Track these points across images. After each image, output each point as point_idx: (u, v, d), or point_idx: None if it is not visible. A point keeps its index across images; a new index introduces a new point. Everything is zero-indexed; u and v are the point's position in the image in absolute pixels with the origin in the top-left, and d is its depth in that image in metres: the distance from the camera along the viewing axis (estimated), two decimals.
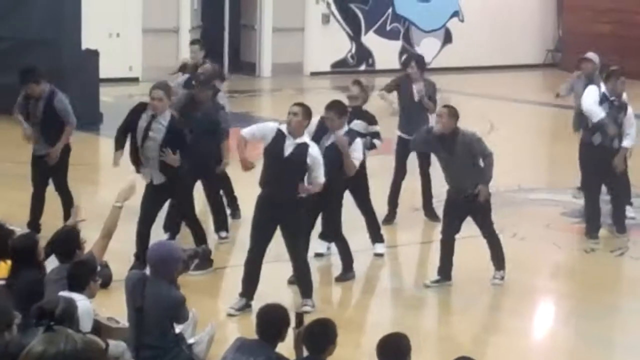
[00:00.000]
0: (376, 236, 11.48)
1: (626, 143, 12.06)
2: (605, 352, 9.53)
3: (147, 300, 7.03)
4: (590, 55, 14.13)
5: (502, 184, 14.67)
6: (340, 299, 10.68)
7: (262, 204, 9.55)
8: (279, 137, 9.51)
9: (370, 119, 11.43)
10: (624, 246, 12.13)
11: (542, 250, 12.08)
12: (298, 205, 9.53)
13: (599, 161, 11.99)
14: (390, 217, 12.73)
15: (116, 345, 7.12)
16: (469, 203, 10.48)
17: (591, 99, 12.07)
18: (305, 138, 9.62)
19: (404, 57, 13.64)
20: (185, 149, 10.54)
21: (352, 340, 8.64)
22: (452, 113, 10.48)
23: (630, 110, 12.19)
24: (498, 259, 10.68)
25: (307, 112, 9.64)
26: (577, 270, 11.65)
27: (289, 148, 9.47)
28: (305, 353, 6.40)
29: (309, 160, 9.45)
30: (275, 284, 10.23)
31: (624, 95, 12.27)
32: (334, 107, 10.50)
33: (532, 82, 26.75)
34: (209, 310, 9.35)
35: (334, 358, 6.54)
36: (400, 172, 12.85)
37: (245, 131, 9.87)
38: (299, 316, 6.69)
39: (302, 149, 9.46)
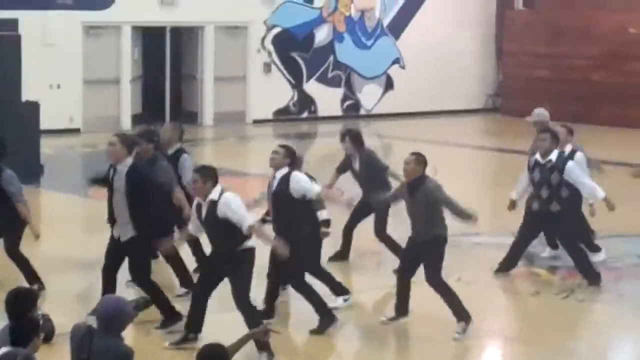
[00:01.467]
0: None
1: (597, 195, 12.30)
2: None
3: (94, 355, 6.94)
4: (536, 111, 14.13)
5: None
6: (325, 345, 10.60)
7: None
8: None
9: None
10: (569, 289, 12.19)
11: (488, 294, 12.11)
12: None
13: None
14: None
15: None
16: (422, 248, 10.55)
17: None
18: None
19: (340, 133, 13.48)
20: (151, 199, 10.40)
21: None
22: (420, 160, 10.59)
23: (570, 164, 12.26)
24: (455, 309, 10.63)
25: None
26: (523, 313, 11.68)
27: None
28: None
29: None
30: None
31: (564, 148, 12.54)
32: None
33: (473, 127, 26.99)
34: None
35: None
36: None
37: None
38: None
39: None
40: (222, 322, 10.38)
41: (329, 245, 12.97)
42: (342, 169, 13.39)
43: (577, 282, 12.39)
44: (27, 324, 7.26)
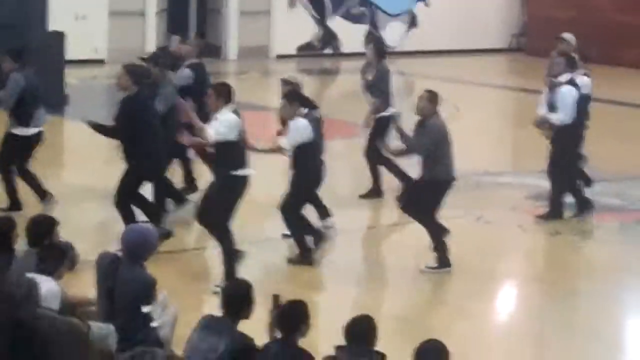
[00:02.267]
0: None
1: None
2: (568, 336, 9.58)
3: (119, 282, 7.07)
4: (566, 35, 14.22)
5: (468, 168, 14.76)
6: (311, 281, 10.70)
7: None
8: None
9: None
10: (589, 230, 12.24)
11: (507, 233, 12.17)
12: None
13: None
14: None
15: (100, 328, 7.14)
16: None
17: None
18: None
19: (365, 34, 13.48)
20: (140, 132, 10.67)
21: (323, 321, 8.69)
22: (430, 98, 10.55)
23: (562, 89, 12.22)
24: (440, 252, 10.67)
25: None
26: (542, 253, 11.75)
27: None
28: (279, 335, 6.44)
29: None
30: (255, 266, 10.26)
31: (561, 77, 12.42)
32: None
33: (497, 67, 26.86)
34: (175, 292, 9.37)
35: (307, 339, 6.58)
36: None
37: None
38: (275, 298, 6.73)
39: None
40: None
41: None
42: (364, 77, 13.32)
43: (596, 223, 12.44)
44: (54, 251, 7.39)
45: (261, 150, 10.44)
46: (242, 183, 9.70)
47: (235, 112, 9.76)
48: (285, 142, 10.47)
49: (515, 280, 11.03)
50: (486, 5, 28.40)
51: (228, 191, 9.68)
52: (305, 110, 10.57)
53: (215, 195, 9.75)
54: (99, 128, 11.07)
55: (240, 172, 9.67)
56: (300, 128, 10.42)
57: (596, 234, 12.11)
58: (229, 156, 9.62)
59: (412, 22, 28.00)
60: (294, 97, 10.66)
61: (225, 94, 9.79)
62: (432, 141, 10.46)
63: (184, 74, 12.46)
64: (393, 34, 27.71)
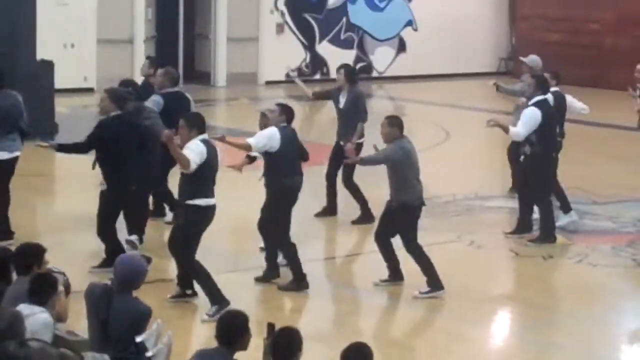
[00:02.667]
0: None
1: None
2: None
3: (114, 313, 7.02)
4: (529, 58, 14.45)
5: (458, 192, 14.80)
6: (306, 307, 10.67)
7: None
8: None
9: None
10: (582, 253, 12.24)
11: (500, 257, 12.16)
12: None
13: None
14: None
15: (94, 358, 7.08)
16: (394, 214, 10.62)
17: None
18: None
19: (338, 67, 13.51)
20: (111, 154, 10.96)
21: (318, 350, 8.67)
22: (393, 123, 10.60)
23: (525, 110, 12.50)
24: (430, 276, 10.67)
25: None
26: (535, 277, 11.73)
27: None
28: None
29: None
30: (243, 294, 10.22)
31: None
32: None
33: (486, 90, 26.88)
34: (167, 321, 9.33)
35: None
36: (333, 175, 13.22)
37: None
38: (270, 326, 6.70)
39: None
40: (230, 281, 10.49)
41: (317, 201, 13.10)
42: (323, 95, 13.65)
43: (591, 246, 12.44)
44: (46, 281, 7.33)
45: (228, 143, 10.49)
46: (206, 213, 9.75)
47: (205, 141, 9.77)
48: (252, 139, 10.55)
49: (510, 304, 11.01)
50: (474, 29, 28.53)
51: (192, 222, 9.75)
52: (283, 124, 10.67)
53: (181, 225, 9.81)
54: (61, 148, 11.22)
55: (204, 202, 9.71)
56: (268, 133, 10.55)
57: (589, 257, 12.10)
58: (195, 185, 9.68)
59: (401, 47, 28.11)
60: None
61: (198, 124, 9.81)
62: (387, 157, 10.50)
63: (153, 100, 12.43)
64: (382, 58, 27.81)
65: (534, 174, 12.40)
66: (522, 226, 12.68)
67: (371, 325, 10.17)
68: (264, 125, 10.93)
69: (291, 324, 6.80)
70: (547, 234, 12.42)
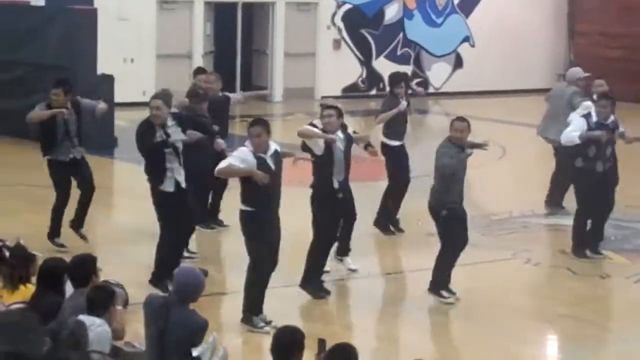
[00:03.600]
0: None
1: None
2: None
3: (171, 325, 7.08)
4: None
5: (515, 209, 14.74)
6: (357, 323, 10.69)
7: None
8: None
9: None
10: (638, 272, 12.12)
11: (556, 275, 12.08)
12: None
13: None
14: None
15: None
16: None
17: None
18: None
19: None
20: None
21: None
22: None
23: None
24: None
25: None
26: (592, 296, 11.63)
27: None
28: None
29: None
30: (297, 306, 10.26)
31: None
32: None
33: (543, 107, 26.73)
34: (224, 333, 9.40)
35: None
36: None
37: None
38: (321, 342, 6.72)
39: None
40: (283, 295, 10.52)
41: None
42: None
43: None
44: (103, 293, 7.42)
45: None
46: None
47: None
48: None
49: (565, 322, 10.92)
50: (531, 45, 28.41)
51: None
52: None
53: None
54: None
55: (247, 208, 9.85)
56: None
57: None
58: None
59: (458, 63, 28.06)
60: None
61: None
62: None
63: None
64: (438, 74, 27.79)
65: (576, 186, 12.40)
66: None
67: (423, 342, 10.15)
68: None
69: (344, 340, 6.82)
70: (578, 247, 12.45)
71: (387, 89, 13.66)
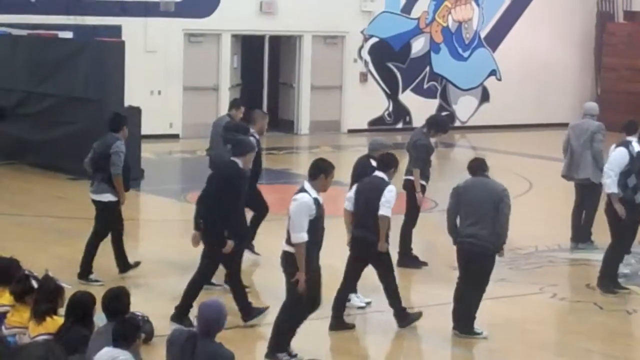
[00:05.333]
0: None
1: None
2: None
3: (197, 358, 7.08)
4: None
5: (541, 244, 14.68)
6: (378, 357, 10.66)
7: None
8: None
9: None
10: None
11: (583, 310, 12.01)
12: None
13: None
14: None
15: None
16: None
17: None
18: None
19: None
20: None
21: None
22: None
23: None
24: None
25: None
26: (619, 331, 11.56)
27: None
28: None
29: None
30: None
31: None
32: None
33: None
34: None
35: None
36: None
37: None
38: None
39: None
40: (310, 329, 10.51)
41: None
42: None
43: None
44: (129, 325, 7.44)
45: None
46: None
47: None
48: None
49: (591, 358, 10.86)
50: (559, 79, 28.40)
51: None
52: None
53: None
54: None
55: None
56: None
57: None
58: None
59: (484, 97, 28.07)
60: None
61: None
62: None
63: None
64: (465, 108, 27.80)
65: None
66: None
67: None
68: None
69: None
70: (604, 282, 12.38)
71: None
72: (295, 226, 9.34)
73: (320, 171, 9.50)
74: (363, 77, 26.46)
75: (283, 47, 26.05)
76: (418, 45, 27.03)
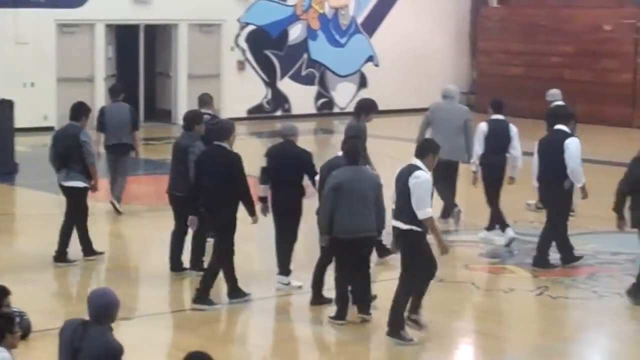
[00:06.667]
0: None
1: None
2: None
3: (86, 344, 6.97)
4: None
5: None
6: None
7: None
8: None
9: None
10: (543, 286, 12.27)
11: (461, 291, 12.16)
12: None
13: None
14: None
15: None
16: None
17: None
18: None
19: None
20: None
21: None
22: None
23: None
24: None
25: None
26: (495, 310, 11.74)
27: None
28: None
29: None
30: None
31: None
32: None
33: None
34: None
35: None
36: None
37: None
38: None
39: None
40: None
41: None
42: None
43: (551, 278, 12.48)
44: (1, 321, 7.29)
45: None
46: None
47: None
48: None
49: (472, 337, 10.99)
50: (436, 64, 28.73)
51: None
52: None
53: None
54: None
55: None
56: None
57: (550, 290, 12.12)
58: None
59: (362, 83, 28.23)
60: None
61: None
62: None
63: None
64: (343, 94, 27.91)
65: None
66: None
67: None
68: None
69: None
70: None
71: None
72: (424, 203, 9.90)
73: (429, 150, 10.38)
74: (240, 65, 26.35)
75: (159, 36, 25.79)
76: (295, 32, 27.04)
